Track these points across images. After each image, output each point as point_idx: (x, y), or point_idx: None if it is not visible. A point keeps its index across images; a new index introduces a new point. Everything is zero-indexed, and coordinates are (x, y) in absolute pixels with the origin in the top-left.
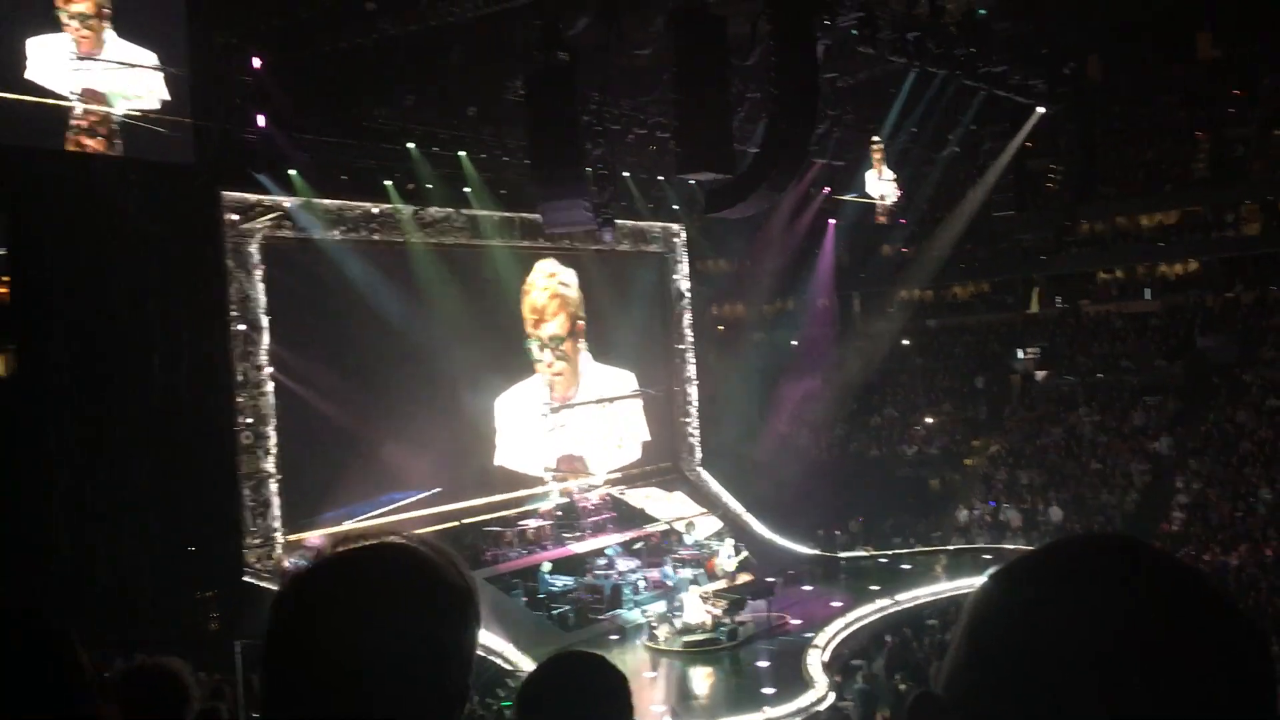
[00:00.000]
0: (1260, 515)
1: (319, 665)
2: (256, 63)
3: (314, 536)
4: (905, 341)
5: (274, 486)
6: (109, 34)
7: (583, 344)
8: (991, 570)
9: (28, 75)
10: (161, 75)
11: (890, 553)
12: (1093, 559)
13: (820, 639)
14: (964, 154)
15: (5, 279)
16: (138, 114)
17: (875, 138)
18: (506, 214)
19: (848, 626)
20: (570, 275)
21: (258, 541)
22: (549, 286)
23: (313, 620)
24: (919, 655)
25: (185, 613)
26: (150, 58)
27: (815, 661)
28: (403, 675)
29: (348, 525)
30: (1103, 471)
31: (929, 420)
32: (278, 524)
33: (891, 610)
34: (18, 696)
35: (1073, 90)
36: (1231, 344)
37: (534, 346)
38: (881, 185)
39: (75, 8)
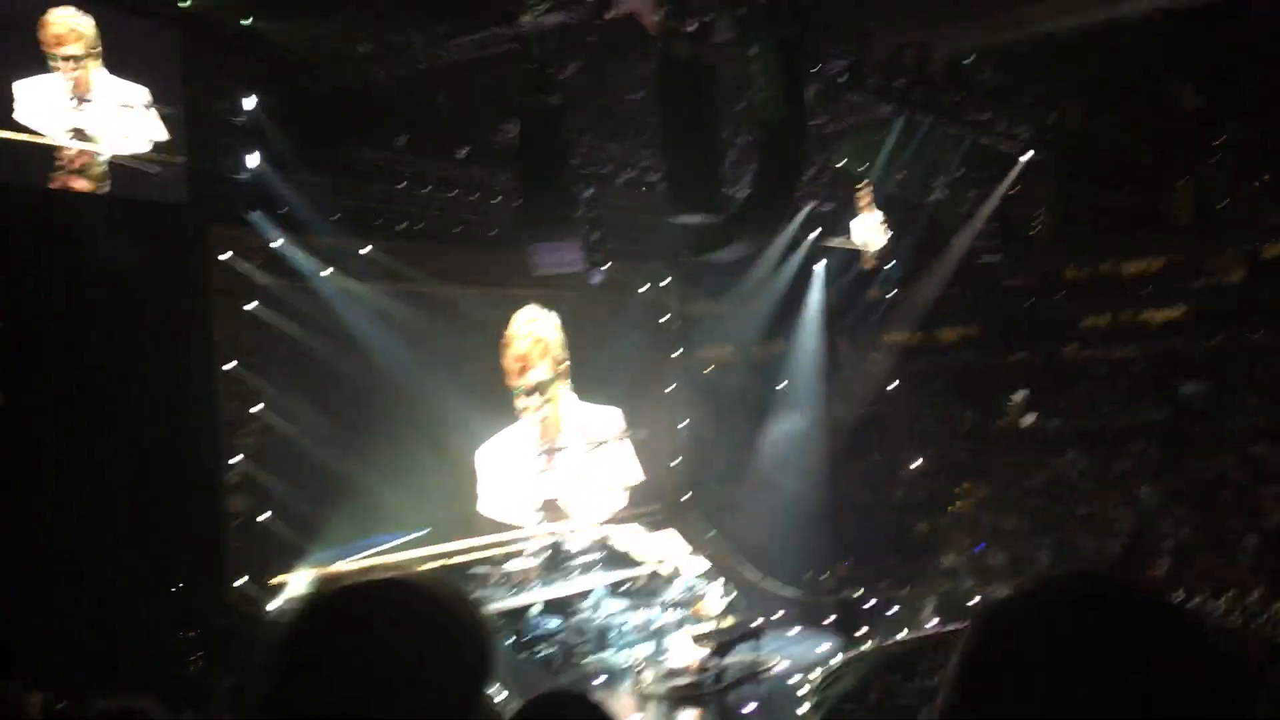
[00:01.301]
0: (1243, 562)
1: (338, 702)
2: (249, 102)
3: (301, 577)
4: (891, 385)
5: (260, 526)
6: (99, 73)
7: (566, 388)
8: (977, 612)
9: (16, 117)
10: (155, 114)
11: (877, 596)
12: (1076, 601)
13: (807, 684)
14: (950, 199)
15: None
16: (127, 155)
17: (863, 182)
18: (495, 255)
19: (835, 670)
20: (552, 318)
21: (243, 582)
22: (531, 333)
23: (331, 656)
24: (905, 700)
25: (170, 653)
26: (143, 95)
27: (802, 705)
28: (424, 711)
29: (336, 566)
30: (1088, 517)
31: (915, 464)
32: (264, 565)
33: (879, 654)
34: None
35: (1056, 138)
36: (1213, 390)
37: (520, 394)
38: (868, 230)
39: (66, 50)
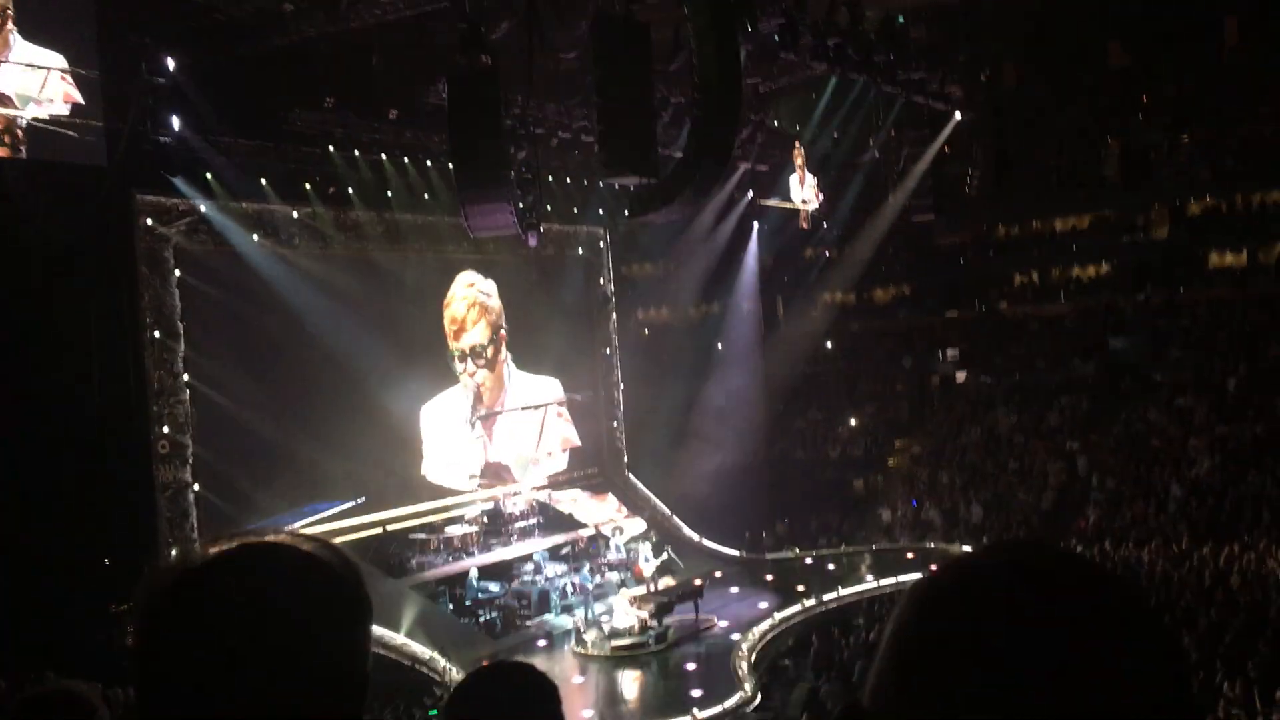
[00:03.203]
0: (1170, 511)
1: (201, 669)
2: (171, 64)
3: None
4: (828, 344)
5: (192, 497)
6: (14, 36)
7: (506, 353)
8: (914, 581)
9: None
10: (70, 78)
11: (816, 553)
12: (1011, 570)
13: (747, 641)
14: (884, 158)
15: None
16: (45, 117)
17: (798, 143)
18: (429, 218)
19: (774, 628)
20: (490, 285)
21: (175, 553)
22: (468, 297)
23: (191, 624)
24: (845, 654)
25: (101, 626)
26: (58, 60)
27: (742, 663)
28: (291, 673)
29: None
30: (1020, 470)
31: (852, 422)
32: (195, 534)
33: (817, 611)
34: None
35: (987, 97)
36: (1142, 344)
37: (455, 357)
38: (804, 190)
39: None
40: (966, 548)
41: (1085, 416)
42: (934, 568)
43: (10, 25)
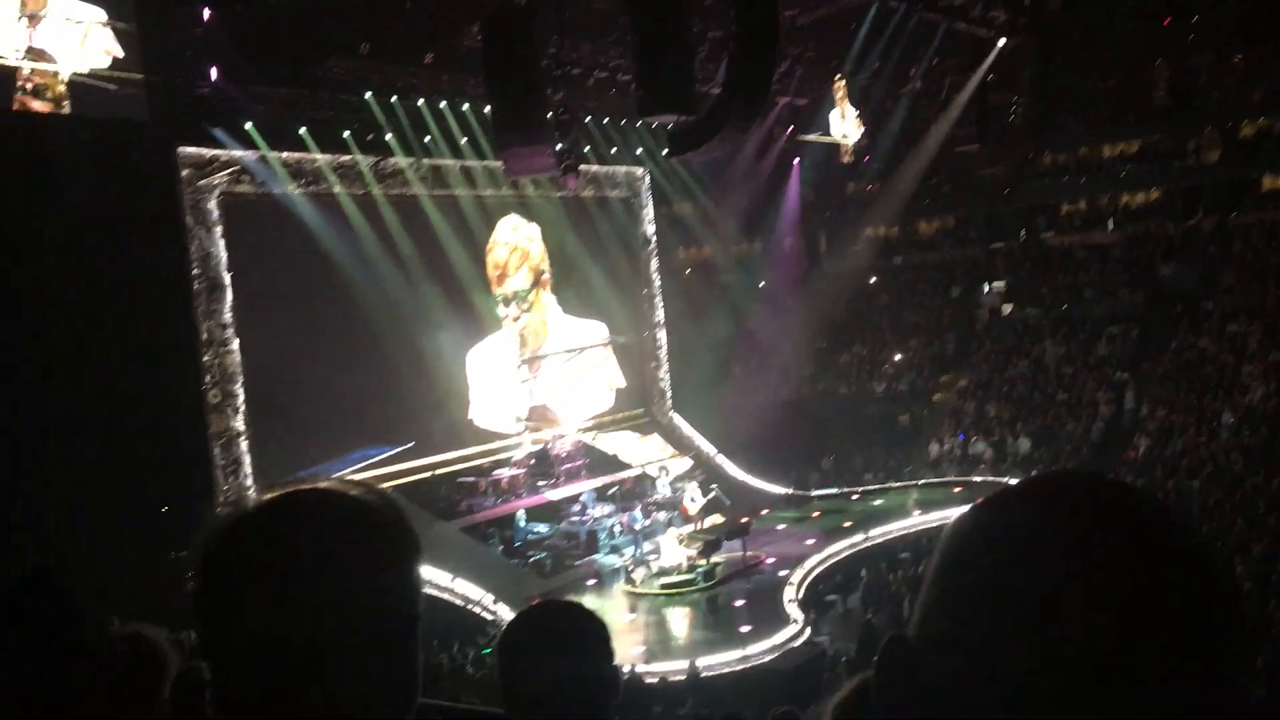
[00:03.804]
0: (1223, 440)
1: (256, 610)
2: (206, 14)
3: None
4: (872, 279)
5: (244, 445)
6: None
7: (549, 296)
8: (960, 513)
9: None
10: (110, 31)
11: (862, 489)
12: (1058, 497)
13: (795, 576)
14: (927, 89)
15: None
16: (85, 72)
17: (837, 76)
18: (468, 162)
19: (822, 563)
20: (533, 229)
21: (231, 501)
22: (511, 241)
23: (242, 571)
24: (893, 589)
25: (162, 573)
26: (98, 14)
27: (790, 598)
28: (342, 610)
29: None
30: (1069, 402)
31: (897, 357)
32: (250, 482)
33: (864, 546)
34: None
35: (1032, 21)
36: (1193, 272)
37: (499, 302)
38: (845, 123)
39: None
40: (1015, 480)
41: (1135, 346)
42: (979, 500)
43: None
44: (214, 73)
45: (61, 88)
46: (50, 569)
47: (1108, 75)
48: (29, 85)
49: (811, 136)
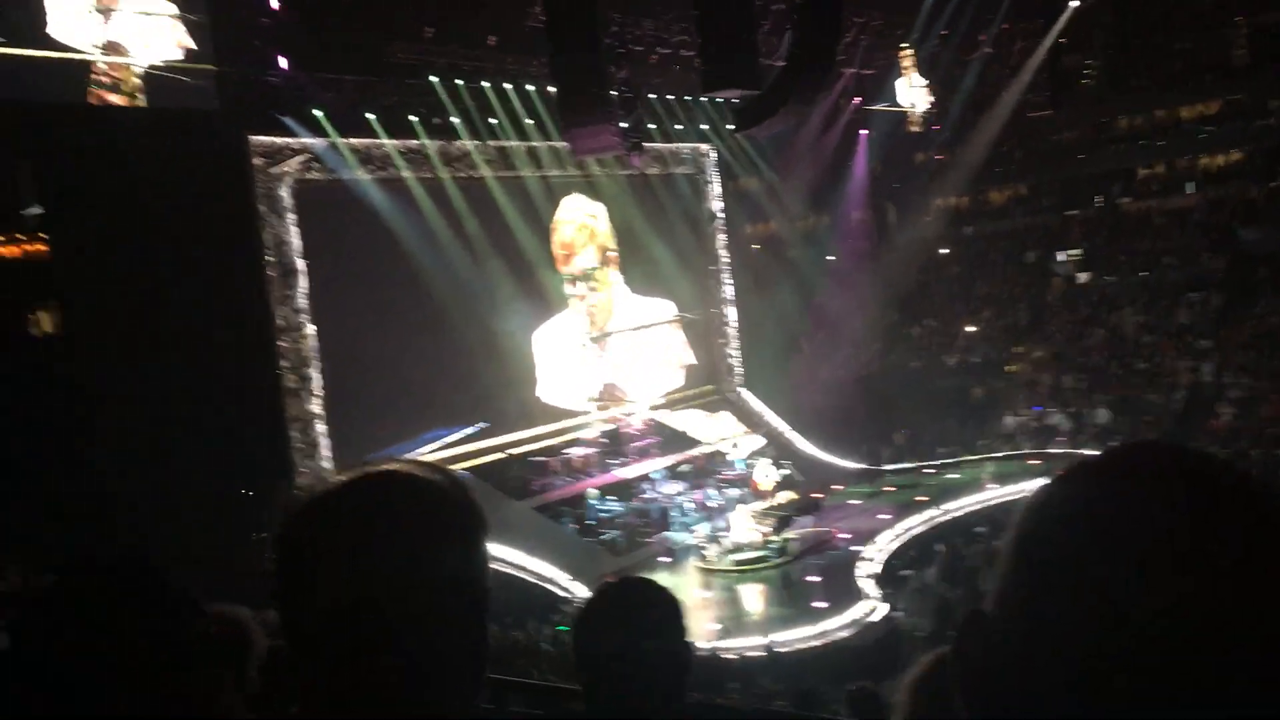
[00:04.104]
0: None
1: (329, 596)
2: (274, 4)
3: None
4: (943, 250)
5: (320, 428)
6: None
7: (616, 275)
8: (1036, 487)
9: (48, 31)
10: (182, 23)
11: (936, 463)
12: (1139, 467)
13: (869, 551)
14: (996, 54)
15: (43, 236)
16: (160, 64)
17: (904, 44)
18: (534, 143)
19: (897, 538)
20: (598, 208)
21: (308, 483)
22: (576, 220)
23: (314, 550)
24: (969, 563)
25: (243, 555)
26: (169, 6)
27: (865, 574)
28: (413, 585)
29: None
30: (1148, 371)
31: (969, 328)
32: (327, 464)
33: (940, 520)
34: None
35: None
36: (1275, 235)
37: (566, 281)
38: (912, 92)
39: None
40: (1093, 453)
41: (1217, 312)
42: (1057, 471)
43: None
44: (283, 62)
45: (135, 80)
46: (145, 551)
47: (1183, 34)
48: (104, 79)
49: (879, 106)
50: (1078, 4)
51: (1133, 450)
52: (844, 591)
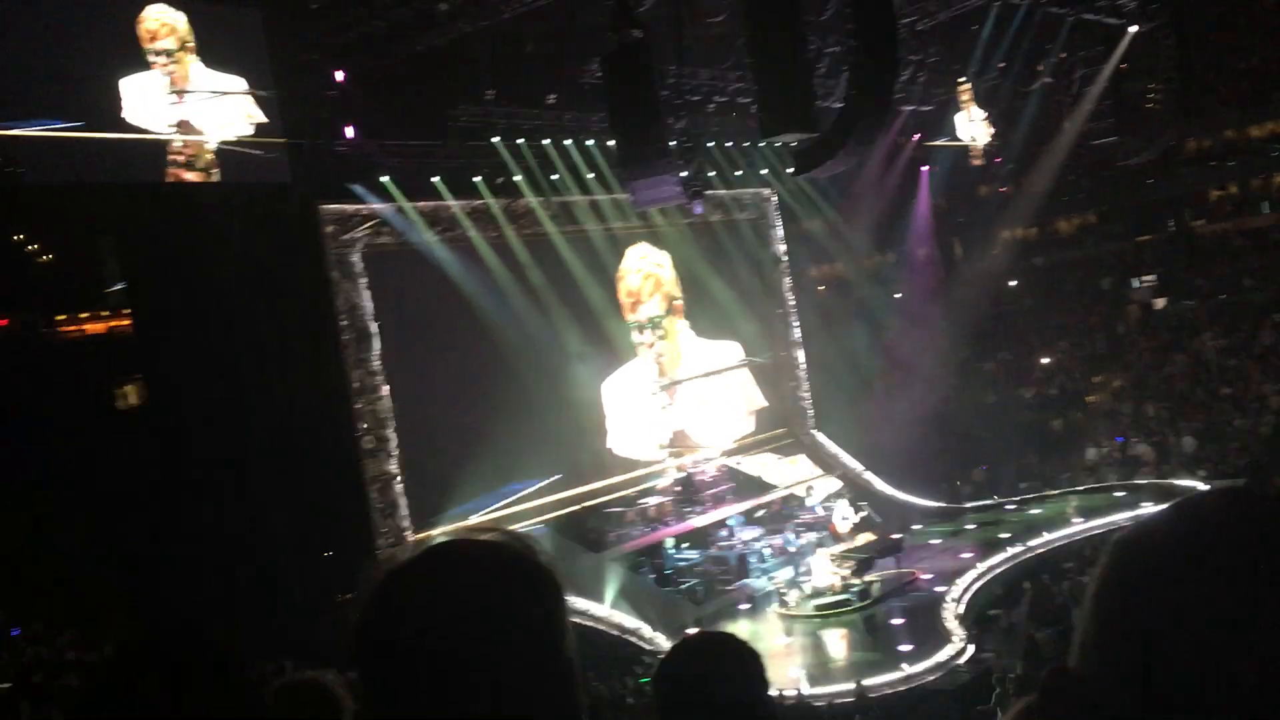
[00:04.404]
0: None
1: (418, 664)
2: (339, 76)
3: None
4: (1013, 282)
5: (399, 487)
6: (196, 66)
7: (683, 322)
8: (1115, 536)
9: (124, 115)
10: (251, 99)
11: (1018, 499)
12: (1214, 521)
13: (953, 592)
14: (1057, 84)
15: (126, 311)
16: (232, 140)
17: (961, 78)
18: (596, 196)
19: (980, 577)
20: (663, 256)
21: (389, 542)
22: (642, 268)
23: (406, 618)
24: (1059, 600)
25: (327, 616)
26: (239, 83)
27: (951, 615)
28: (504, 663)
29: (473, 519)
30: (1234, 396)
31: (1045, 360)
32: (406, 523)
33: (1025, 557)
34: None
35: (1165, 4)
36: None
37: (633, 329)
38: (973, 126)
39: (160, 44)
40: (1182, 481)
41: None
42: (1132, 522)
43: (192, 56)
44: (349, 131)
45: (210, 156)
46: (197, 625)
47: (1249, 53)
48: (179, 157)
49: (940, 142)
50: (1137, 29)
51: (1208, 501)
52: (930, 634)
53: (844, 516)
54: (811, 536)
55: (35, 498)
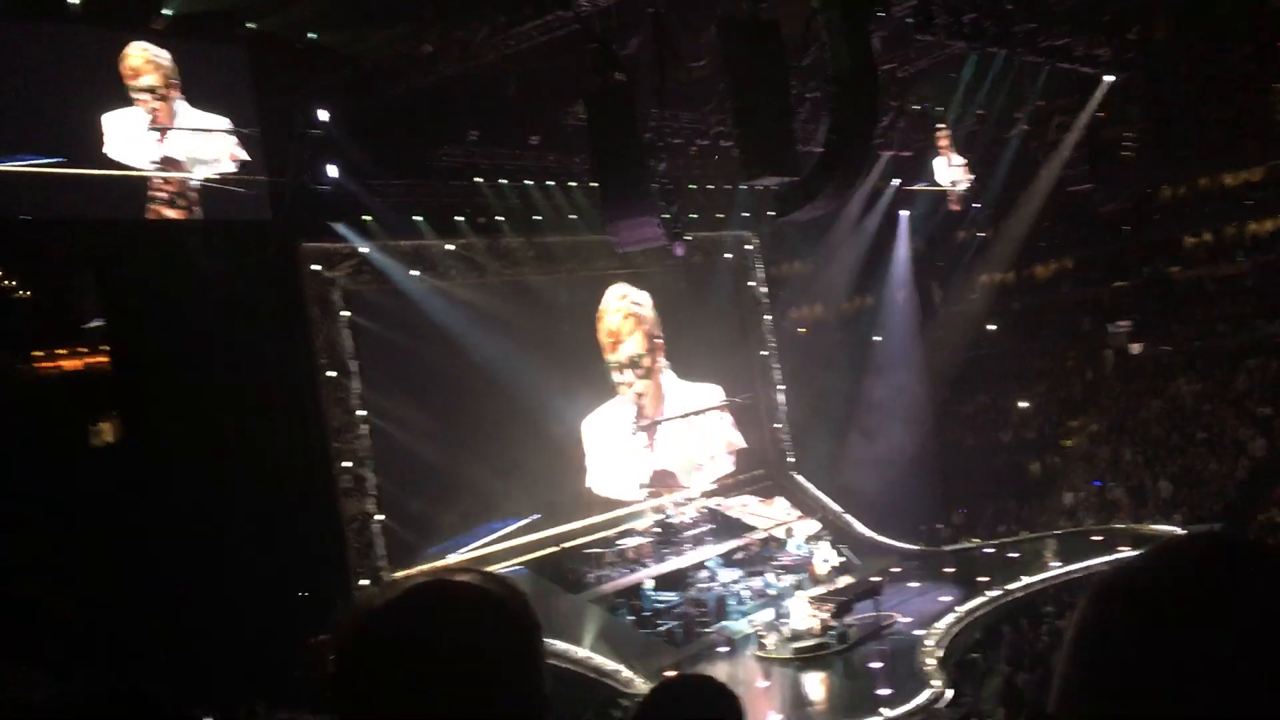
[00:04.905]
0: None
1: (394, 706)
2: (323, 115)
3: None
4: (991, 326)
5: (376, 527)
6: (180, 104)
7: (663, 362)
8: (1094, 580)
9: (106, 151)
10: (235, 138)
11: (996, 542)
12: (1191, 565)
13: (932, 636)
14: (1034, 131)
15: (104, 348)
16: (214, 177)
17: (940, 125)
18: (578, 238)
19: (960, 621)
20: (643, 296)
21: (366, 582)
22: (622, 308)
23: (376, 665)
24: (1038, 645)
25: (302, 657)
26: (222, 122)
27: (929, 659)
28: (480, 705)
29: (451, 559)
30: (1209, 440)
31: (1023, 404)
32: (384, 563)
33: (1003, 601)
34: None
35: (1140, 54)
36: None
37: (614, 369)
38: (951, 171)
39: (144, 81)
40: (1158, 526)
41: (1276, 378)
42: (1109, 566)
43: (176, 94)
44: (332, 170)
45: (192, 194)
46: (137, 684)
47: (1222, 102)
48: (161, 194)
49: (918, 187)
50: (1113, 79)
51: (1185, 546)
52: (908, 678)
53: (826, 559)
54: (790, 579)
55: (7, 535)
